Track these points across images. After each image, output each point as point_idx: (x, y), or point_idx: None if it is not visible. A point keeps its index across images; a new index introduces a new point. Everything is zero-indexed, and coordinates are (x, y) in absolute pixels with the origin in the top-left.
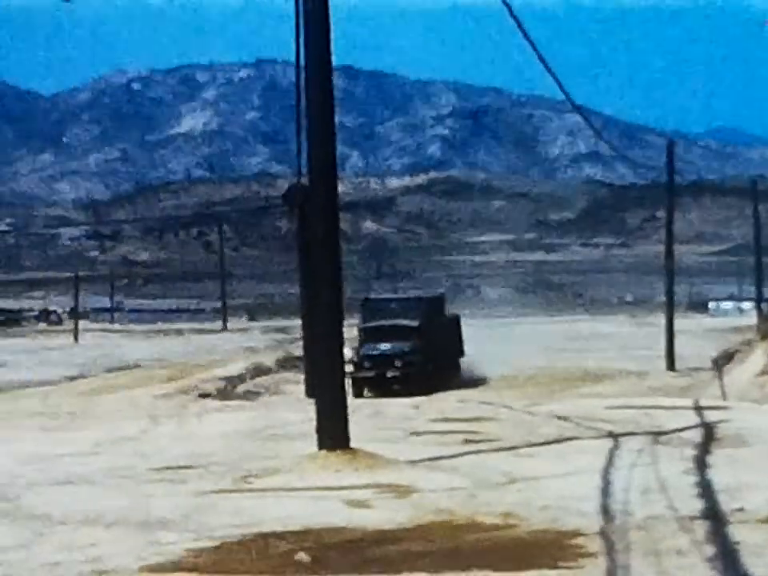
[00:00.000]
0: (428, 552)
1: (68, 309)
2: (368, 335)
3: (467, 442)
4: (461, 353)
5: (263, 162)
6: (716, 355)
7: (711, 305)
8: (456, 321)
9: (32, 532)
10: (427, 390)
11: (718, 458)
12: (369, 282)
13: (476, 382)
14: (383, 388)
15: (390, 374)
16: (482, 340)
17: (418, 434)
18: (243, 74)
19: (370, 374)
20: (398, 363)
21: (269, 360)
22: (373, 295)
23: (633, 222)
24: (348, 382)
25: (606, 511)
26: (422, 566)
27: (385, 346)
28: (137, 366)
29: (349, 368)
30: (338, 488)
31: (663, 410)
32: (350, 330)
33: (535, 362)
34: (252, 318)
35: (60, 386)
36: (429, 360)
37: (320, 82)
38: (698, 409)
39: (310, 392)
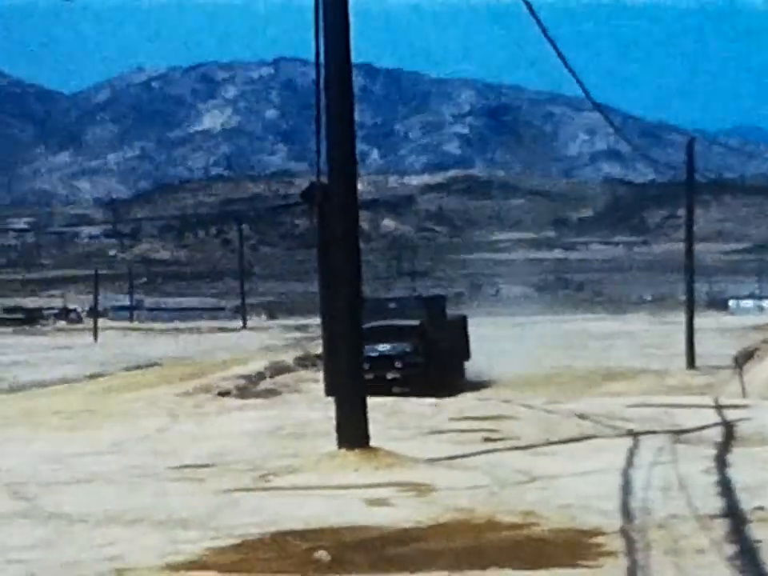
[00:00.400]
0: (447, 550)
1: (87, 307)
2: (366, 336)
3: (487, 440)
4: (466, 355)
5: (282, 160)
6: (736, 353)
7: (731, 303)
8: (462, 322)
9: (52, 531)
10: (429, 392)
11: (738, 456)
12: (388, 281)
13: (484, 384)
14: (383, 390)
15: (389, 376)
16: (501, 339)
17: (437, 432)
18: (262, 72)
19: (369, 375)
20: (398, 364)
21: (288, 358)
22: (374, 295)
23: (652, 221)
24: None
25: (626, 510)
26: (441, 564)
27: (384, 347)
28: (156, 364)
29: None
30: (358, 486)
31: (683, 409)
32: None
33: (555, 361)
34: (271, 316)
35: (79, 385)
36: (430, 361)
37: (339, 80)
38: (718, 407)
39: (329, 390)
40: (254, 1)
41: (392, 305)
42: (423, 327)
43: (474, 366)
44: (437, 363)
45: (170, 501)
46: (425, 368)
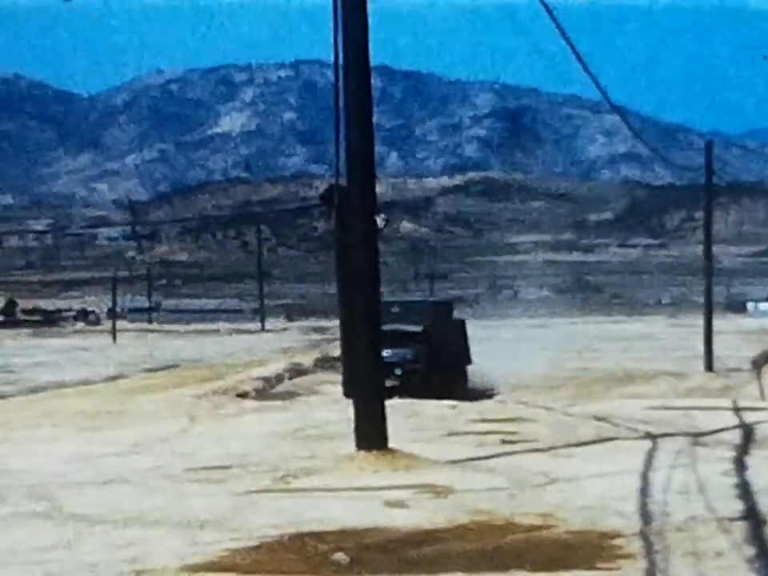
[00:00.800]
0: (466, 552)
1: (106, 309)
2: None
3: (505, 442)
4: (468, 360)
5: (301, 162)
6: (754, 356)
7: (749, 305)
8: (461, 326)
9: (72, 531)
10: (430, 399)
11: (756, 458)
12: (406, 283)
13: (493, 391)
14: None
15: (389, 383)
16: (519, 340)
17: (455, 434)
18: (281, 74)
19: None
20: (398, 371)
21: (307, 360)
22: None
23: (671, 223)
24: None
25: (644, 512)
26: (460, 566)
27: (386, 353)
28: (175, 366)
29: None
30: (376, 488)
31: (702, 411)
32: None
33: (573, 363)
34: (290, 318)
35: (98, 386)
36: (433, 368)
37: (358, 83)
38: (737, 410)
39: (348, 392)
40: (272, 3)
41: (398, 308)
42: (426, 333)
43: (492, 369)
44: (438, 369)
45: (190, 502)
46: (425, 375)
